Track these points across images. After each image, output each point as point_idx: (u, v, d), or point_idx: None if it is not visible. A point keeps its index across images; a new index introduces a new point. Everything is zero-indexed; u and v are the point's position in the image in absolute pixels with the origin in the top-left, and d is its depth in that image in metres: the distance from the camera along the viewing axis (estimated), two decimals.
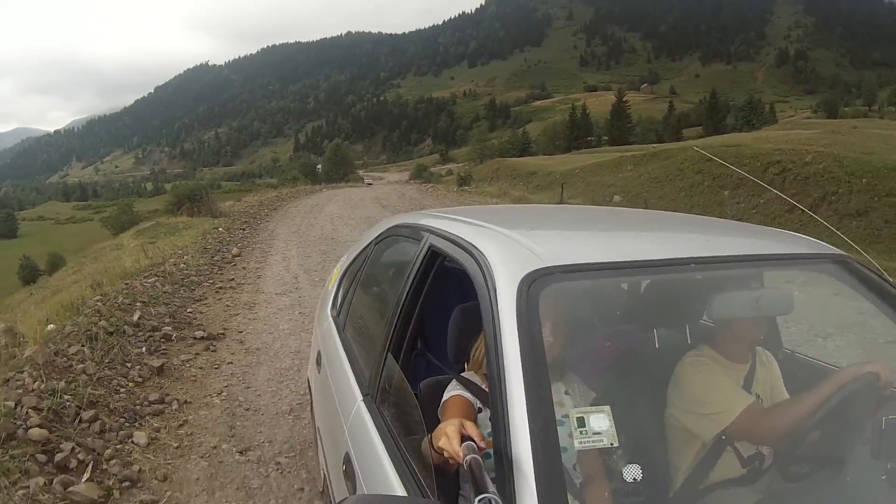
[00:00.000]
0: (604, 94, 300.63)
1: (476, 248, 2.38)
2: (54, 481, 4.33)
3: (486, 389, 2.39)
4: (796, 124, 66.76)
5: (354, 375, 3.20)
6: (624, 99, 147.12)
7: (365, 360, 3.24)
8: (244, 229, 22.09)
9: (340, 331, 4.02)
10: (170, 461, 5.16)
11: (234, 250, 16.26)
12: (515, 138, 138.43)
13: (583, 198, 33.62)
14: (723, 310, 2.49)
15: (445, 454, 1.79)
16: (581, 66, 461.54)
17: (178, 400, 6.33)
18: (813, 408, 2.28)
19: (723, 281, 2.57)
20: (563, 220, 3.70)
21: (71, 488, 4.30)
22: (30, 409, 5.02)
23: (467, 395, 2.46)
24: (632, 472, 1.92)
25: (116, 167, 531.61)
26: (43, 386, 5.51)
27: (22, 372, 5.80)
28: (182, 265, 13.26)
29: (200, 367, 7.35)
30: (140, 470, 4.87)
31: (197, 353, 7.77)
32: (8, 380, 5.62)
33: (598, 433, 1.80)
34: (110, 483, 4.58)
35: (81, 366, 6.27)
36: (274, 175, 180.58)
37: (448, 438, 1.79)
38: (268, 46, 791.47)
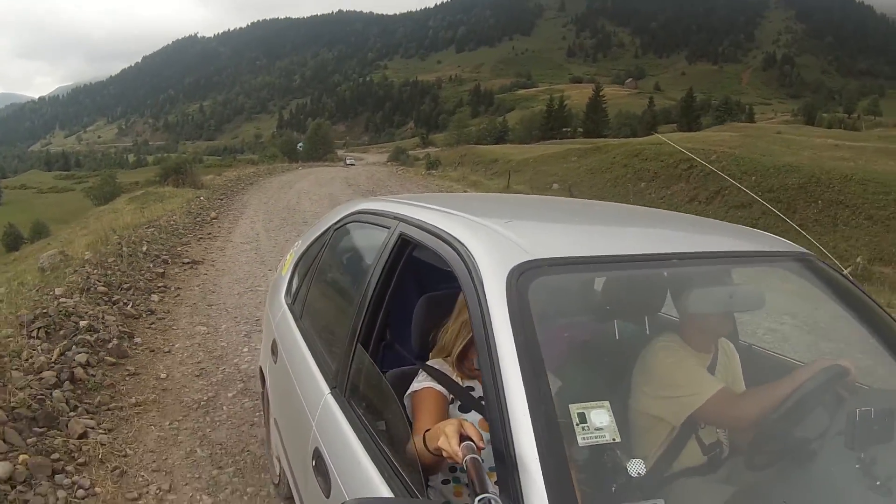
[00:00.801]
0: (588, 86, 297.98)
1: (457, 238, 2.36)
2: (114, 308, 8.34)
3: (456, 378, 2.52)
4: (734, 127, 70.09)
5: (319, 368, 3.16)
6: (601, 93, 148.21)
7: (330, 352, 3.21)
8: (221, 199, 25.93)
9: (297, 319, 3.98)
10: (170, 307, 9.24)
11: (213, 214, 20.27)
12: (493, 126, 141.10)
13: (528, 185, 36.88)
14: (699, 304, 2.58)
15: (444, 454, 1.80)
16: (568, 56, 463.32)
17: (174, 286, 10.48)
18: (783, 397, 2.35)
19: (699, 276, 2.67)
20: (534, 212, 3.76)
21: (126, 309, 8.41)
22: (96, 281, 9.06)
23: (438, 387, 2.47)
24: (636, 467, 1.93)
25: (99, 137, 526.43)
26: (98, 272, 9.57)
27: (83, 267, 9.89)
28: (172, 222, 17.03)
29: (187, 274, 11.51)
30: (154, 309, 8.94)
31: (184, 269, 11.90)
32: (76, 270, 9.67)
33: (600, 429, 1.80)
34: (139, 311, 8.61)
35: (117, 267, 10.38)
36: (256, 151, 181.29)
37: (447, 438, 1.78)
38: (258, 20, 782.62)
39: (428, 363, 2.60)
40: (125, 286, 9.60)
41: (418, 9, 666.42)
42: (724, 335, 2.80)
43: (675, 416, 2.50)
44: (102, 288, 8.96)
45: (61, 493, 4.28)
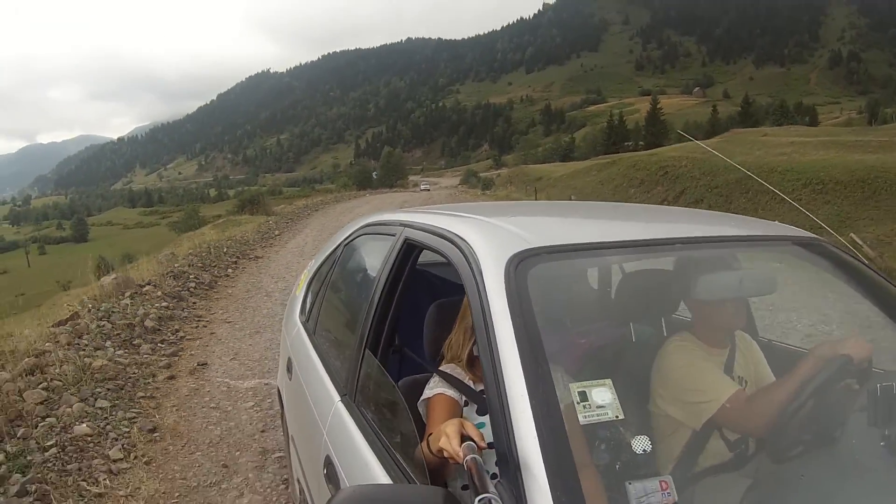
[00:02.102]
0: (657, 98, 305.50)
1: (457, 235, 2.33)
2: (206, 273, 14.13)
3: (470, 382, 2.46)
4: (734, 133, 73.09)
5: (330, 377, 3.15)
6: (658, 105, 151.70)
7: (340, 361, 3.19)
8: (287, 222, 31.29)
9: (311, 335, 3.95)
10: (238, 274, 15.16)
11: (277, 232, 26.00)
12: (559, 144, 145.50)
13: (554, 197, 39.48)
14: (707, 290, 2.48)
15: (445, 454, 1.78)
16: (637, 70, 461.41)
17: (241, 267, 16.27)
18: (794, 391, 2.26)
19: (706, 261, 2.56)
20: (542, 210, 3.89)
21: (213, 273, 14.23)
22: (197, 262, 15.12)
23: (451, 392, 2.42)
24: (641, 444, 1.84)
25: (180, 173, 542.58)
26: (197, 259, 15.52)
27: (188, 257, 15.84)
28: (244, 238, 22.71)
29: (250, 263, 17.26)
30: (229, 274, 14.90)
31: (249, 261, 17.64)
32: (184, 258, 15.56)
33: (602, 406, 1.76)
34: (220, 274, 14.62)
35: (207, 258, 16.22)
36: (333, 180, 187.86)
37: (448, 438, 1.77)
38: (329, 53, 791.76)
39: (441, 368, 2.57)
40: (212, 266, 15.46)
41: (485, 32, 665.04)
42: (739, 328, 2.73)
43: (693, 421, 2.44)
44: (200, 264, 15.12)
45: (189, 312, 10.55)
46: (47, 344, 7.60)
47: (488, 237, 2.22)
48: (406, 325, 3.06)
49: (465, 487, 2.15)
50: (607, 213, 3.51)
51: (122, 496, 4.66)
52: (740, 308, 2.62)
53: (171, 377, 7.31)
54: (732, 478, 2.38)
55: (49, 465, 4.86)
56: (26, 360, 6.72)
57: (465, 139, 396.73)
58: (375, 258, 3.31)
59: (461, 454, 1.68)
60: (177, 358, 8.09)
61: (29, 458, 4.91)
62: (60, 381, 6.39)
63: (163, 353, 8.15)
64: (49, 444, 5.11)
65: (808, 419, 2.22)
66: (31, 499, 4.38)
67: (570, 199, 31.01)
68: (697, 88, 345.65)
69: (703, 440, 2.44)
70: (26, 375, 6.32)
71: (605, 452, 1.86)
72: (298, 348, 4.02)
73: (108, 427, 5.66)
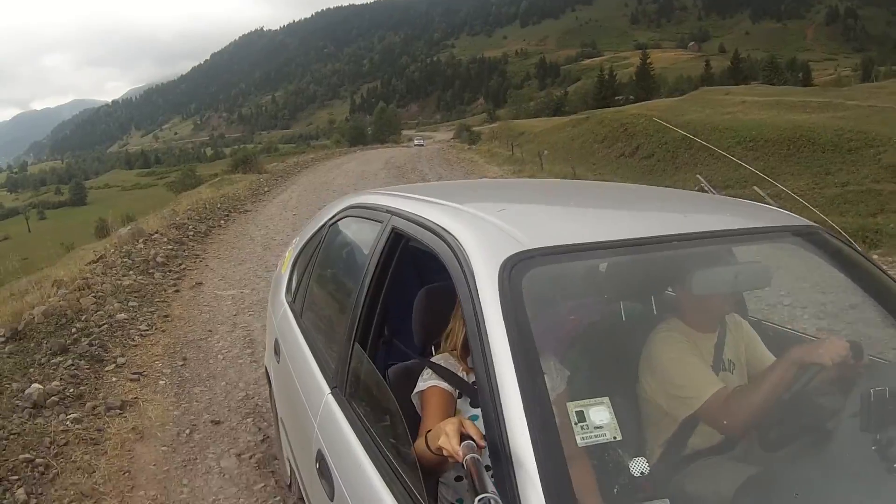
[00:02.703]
0: (651, 52, 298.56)
1: (448, 231, 2.30)
2: (203, 225, 17.02)
3: (462, 375, 2.47)
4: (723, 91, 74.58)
5: (319, 367, 3.12)
6: (648, 60, 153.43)
7: (329, 351, 3.16)
8: (277, 180, 32.84)
9: (298, 317, 3.93)
10: (230, 225, 17.54)
11: (266, 189, 28.18)
12: (550, 99, 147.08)
13: (528, 152, 41.13)
14: (703, 285, 2.47)
15: (445, 453, 1.77)
16: (632, 23, 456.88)
17: (232, 219, 18.61)
18: (769, 394, 2.32)
19: (702, 257, 2.52)
20: (535, 198, 3.63)
21: (209, 224, 17.14)
22: (195, 216, 17.80)
23: (444, 384, 2.43)
24: (639, 466, 1.88)
25: (175, 134, 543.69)
26: (194, 214, 18.25)
27: (187, 212, 18.55)
28: (237, 195, 24.63)
29: (240, 216, 19.33)
30: (222, 225, 17.39)
31: (240, 214, 19.75)
32: (184, 213, 18.36)
33: (600, 427, 1.76)
34: (215, 226, 17.11)
35: (203, 213, 18.70)
36: (329, 137, 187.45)
37: (448, 437, 1.76)
38: (322, 10, 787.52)
39: (433, 359, 2.58)
40: (207, 218, 17.86)
41: None
42: (729, 313, 2.75)
43: (677, 412, 2.49)
44: (197, 217, 17.59)
45: (189, 252, 13.39)
46: (87, 274, 10.59)
47: (480, 237, 2.19)
48: (394, 309, 3.09)
49: (458, 479, 2.36)
50: (599, 200, 3.43)
51: (149, 345, 7.85)
52: (730, 294, 2.68)
53: (177, 290, 10.49)
54: (720, 465, 2.42)
55: (103, 333, 7.85)
56: (77, 282, 9.74)
57: (460, 93, 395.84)
58: (362, 244, 3.35)
59: (461, 453, 1.69)
60: (181, 280, 11.19)
61: (90, 330, 7.87)
62: (103, 293, 9.38)
63: (170, 277, 11.22)
64: (102, 323, 8.13)
65: (800, 419, 2.33)
66: (94, 348, 7.29)
67: (540, 159, 32.90)
68: (693, 43, 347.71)
69: (689, 430, 2.50)
70: (78, 290, 9.29)
71: (602, 474, 1.93)
72: (285, 330, 4.03)
73: (138, 315, 8.82)
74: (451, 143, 75.81)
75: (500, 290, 1.89)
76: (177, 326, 8.65)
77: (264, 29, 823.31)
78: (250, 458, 5.20)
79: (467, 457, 1.65)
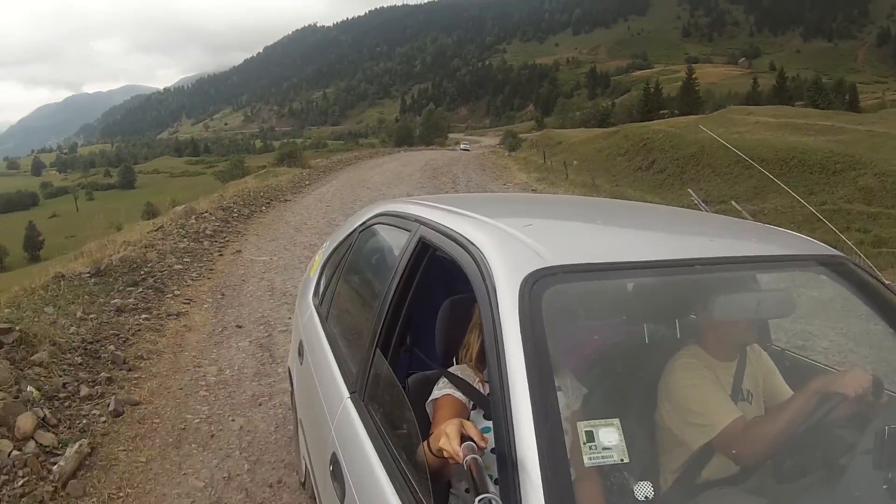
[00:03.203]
0: (702, 66, 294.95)
1: (473, 243, 2.30)
2: (246, 210, 19.42)
3: (478, 386, 2.49)
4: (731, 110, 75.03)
5: (340, 371, 3.15)
6: (693, 75, 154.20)
7: (351, 356, 3.19)
8: (319, 175, 34.68)
9: (323, 321, 3.97)
10: (269, 211, 19.75)
11: (307, 182, 30.05)
12: (597, 109, 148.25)
13: (560, 161, 42.69)
14: (724, 311, 2.47)
15: (445, 454, 1.79)
16: (684, 36, 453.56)
17: (274, 206, 20.73)
18: (787, 425, 2.30)
19: (725, 282, 2.51)
20: (562, 214, 3.65)
21: (252, 209, 19.61)
22: (240, 201, 20.08)
23: (458, 394, 2.45)
24: (644, 490, 1.87)
25: (226, 124, 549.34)
26: (239, 200, 20.52)
27: (233, 198, 20.87)
28: (279, 186, 26.40)
29: (280, 204, 21.38)
30: (263, 211, 19.59)
31: (279, 203, 21.62)
32: (225, 199, 20.66)
33: (608, 448, 1.75)
34: (256, 210, 19.34)
35: (248, 199, 20.87)
36: (378, 135, 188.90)
37: (448, 438, 1.78)
38: (376, 8, 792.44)
39: (450, 370, 2.61)
40: (251, 204, 19.92)
41: None
42: (751, 343, 2.74)
43: (692, 441, 2.47)
44: (242, 203, 19.66)
45: (233, 229, 15.61)
46: (150, 238, 13.12)
47: (504, 251, 2.19)
48: (418, 318, 3.15)
49: (468, 490, 2.19)
50: (626, 219, 3.45)
51: (197, 286, 10.63)
52: (753, 324, 2.68)
53: (221, 254, 13.16)
54: (732, 496, 2.41)
55: (164, 276, 10.57)
56: (143, 242, 12.35)
57: (510, 99, 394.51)
58: (390, 251, 3.45)
59: (461, 454, 1.70)
60: (224, 248, 13.78)
61: (154, 273, 10.52)
62: (163, 251, 12.04)
63: (216, 245, 13.86)
64: (163, 270, 10.81)
65: (815, 452, 2.35)
66: (158, 284, 10.04)
67: (566, 168, 34.42)
68: (743, 59, 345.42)
69: (704, 459, 2.47)
70: (144, 248, 11.75)
71: (607, 495, 1.94)
72: (310, 333, 4.05)
73: (189, 268, 11.54)
74: (495, 148, 77.55)
75: (520, 305, 1.91)
76: (219, 277, 11.39)
77: (318, 25, 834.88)
78: (258, 343, 7.96)
79: (467, 457, 1.67)
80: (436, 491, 1.98)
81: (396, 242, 3.20)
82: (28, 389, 5.62)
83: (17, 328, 6.52)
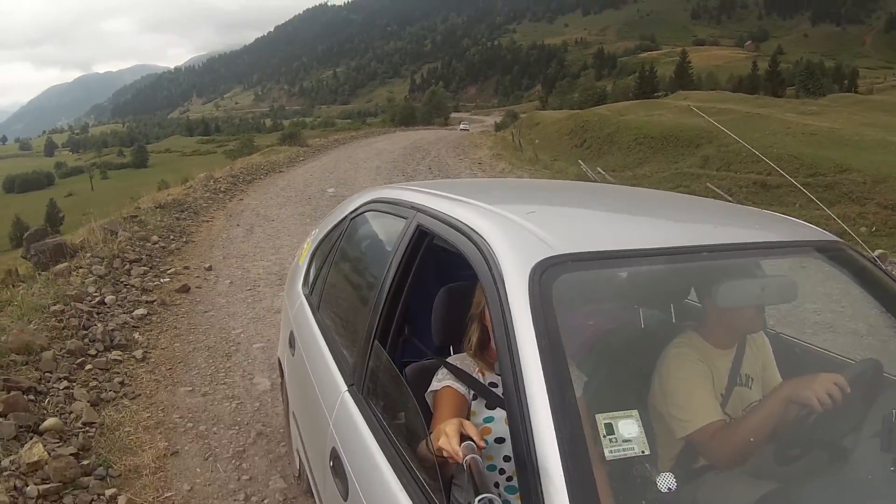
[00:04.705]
0: (709, 49, 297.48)
1: (476, 232, 2.25)
2: (245, 179, 26.31)
3: (478, 376, 2.49)
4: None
5: (336, 363, 3.10)
6: (687, 59, 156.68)
7: (347, 347, 3.15)
8: (315, 153, 39.17)
9: (315, 311, 3.91)
10: (265, 179, 25.74)
11: (301, 158, 35.01)
12: (593, 91, 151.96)
13: (526, 140, 45.52)
14: (729, 298, 2.45)
15: (444, 454, 1.78)
16: (693, 18, 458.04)
17: (270, 177, 26.58)
18: (754, 431, 2.31)
19: (731, 269, 2.51)
20: (561, 200, 3.51)
21: (249, 179, 26.49)
22: (243, 173, 26.79)
23: (458, 385, 2.44)
24: (666, 482, 1.82)
25: (236, 103, 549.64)
26: (242, 172, 27.31)
27: (238, 171, 27.72)
28: (277, 162, 31.86)
29: (276, 176, 26.69)
30: (260, 179, 25.82)
31: (275, 175, 27.25)
32: (234, 170, 27.36)
33: (629, 440, 1.72)
34: (253, 178, 25.75)
35: (249, 171, 27.47)
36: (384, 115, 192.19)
37: (447, 438, 1.78)
38: None
39: (449, 360, 2.60)
40: (254, 174, 26.11)
41: None
42: (755, 331, 2.73)
43: (674, 433, 2.47)
44: (246, 173, 26.08)
45: (239, 189, 22.33)
46: (183, 192, 19.96)
47: (510, 239, 2.14)
48: (414, 306, 3.06)
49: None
50: (626, 204, 3.37)
51: (217, 213, 17.38)
52: (759, 312, 2.63)
53: (230, 200, 19.50)
54: (733, 479, 2.39)
55: (197, 207, 17.49)
56: (181, 193, 19.15)
57: (518, 79, 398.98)
58: (385, 239, 3.38)
59: (460, 454, 1.71)
60: (233, 198, 19.91)
61: (191, 207, 17.23)
62: (195, 198, 18.59)
63: (228, 197, 20.19)
64: (196, 205, 17.51)
65: (817, 435, 2.29)
66: (194, 212, 16.78)
67: (520, 148, 40.38)
68: (749, 42, 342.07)
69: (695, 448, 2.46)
70: (181, 196, 18.56)
71: (629, 488, 1.85)
72: (301, 323, 4.02)
73: (211, 206, 18.27)
74: (488, 129, 79.37)
75: (530, 296, 1.87)
76: (229, 211, 17.64)
77: (329, 4, 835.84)
78: (247, 227, 15.11)
79: (467, 457, 1.69)
80: (433, 487, 1.99)
81: (392, 230, 3.15)
82: (153, 238, 12.82)
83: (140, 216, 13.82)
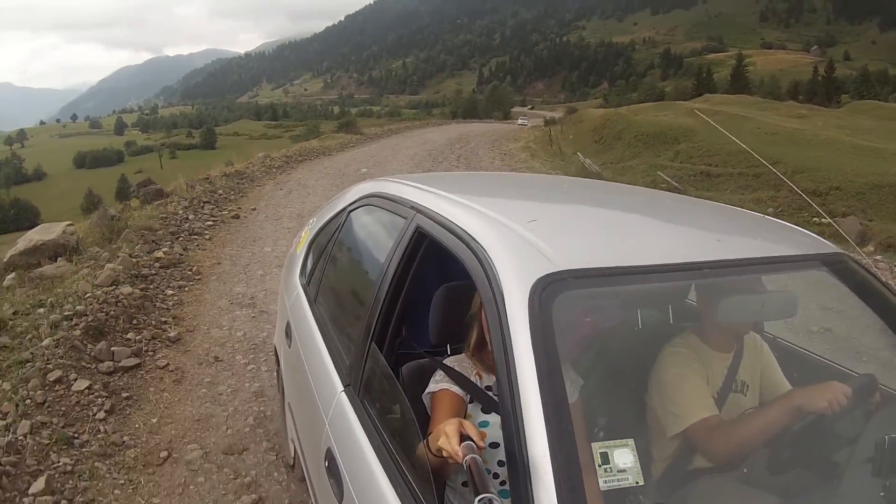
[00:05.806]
0: (775, 52, 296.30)
1: (477, 241, 2.25)
2: (298, 159, 30.74)
3: (475, 379, 2.51)
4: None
5: (333, 362, 3.13)
6: (743, 63, 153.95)
7: (344, 346, 3.17)
8: (364, 141, 39.80)
9: (311, 303, 3.97)
10: (316, 160, 28.51)
11: (352, 145, 35.96)
12: (652, 91, 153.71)
13: (563, 138, 47.43)
14: (729, 314, 2.53)
15: (444, 454, 1.80)
16: (761, 21, 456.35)
17: (320, 158, 29.07)
18: (756, 433, 2.36)
19: (732, 286, 2.53)
20: (565, 202, 3.49)
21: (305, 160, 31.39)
22: (297, 154, 30.89)
23: (455, 388, 2.44)
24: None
25: (305, 90, 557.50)
26: (297, 153, 31.84)
27: (293, 152, 32.35)
28: (330, 147, 33.31)
29: (325, 159, 28.77)
30: (312, 159, 28.87)
31: (326, 156, 29.61)
32: (290, 152, 31.68)
33: (623, 470, 1.74)
34: (306, 161, 29.79)
35: (303, 153, 30.78)
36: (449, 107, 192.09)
37: (447, 438, 1.79)
38: None
39: (446, 361, 2.60)
40: (307, 155, 28.61)
41: None
42: (748, 331, 2.78)
43: (668, 430, 2.51)
44: (300, 154, 28.54)
45: (292, 167, 26.43)
46: (246, 166, 24.79)
47: (510, 252, 2.15)
48: (411, 304, 3.00)
49: (465, 484, 2.41)
50: (630, 210, 3.29)
51: (267, 182, 20.98)
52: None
53: (280, 174, 22.71)
54: (723, 483, 2.46)
55: (254, 176, 21.61)
56: (243, 167, 23.81)
57: (585, 76, 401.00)
58: (383, 237, 3.32)
59: (460, 454, 1.72)
60: (285, 173, 23.01)
61: (249, 177, 21.21)
62: (253, 171, 22.48)
63: (278, 172, 23.16)
64: (252, 175, 22.04)
65: (810, 446, 2.34)
66: (250, 179, 21.11)
67: (550, 143, 43.19)
68: (815, 47, 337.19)
69: (692, 449, 2.53)
70: (244, 168, 23.35)
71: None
72: (298, 314, 4.07)
73: (265, 177, 21.93)
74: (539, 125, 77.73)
75: (530, 315, 1.88)
76: (278, 181, 20.65)
77: None
78: (287, 190, 19.13)
79: (467, 457, 1.69)
80: (424, 491, 2.02)
81: (390, 228, 3.15)
82: (219, 192, 17.53)
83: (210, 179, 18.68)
